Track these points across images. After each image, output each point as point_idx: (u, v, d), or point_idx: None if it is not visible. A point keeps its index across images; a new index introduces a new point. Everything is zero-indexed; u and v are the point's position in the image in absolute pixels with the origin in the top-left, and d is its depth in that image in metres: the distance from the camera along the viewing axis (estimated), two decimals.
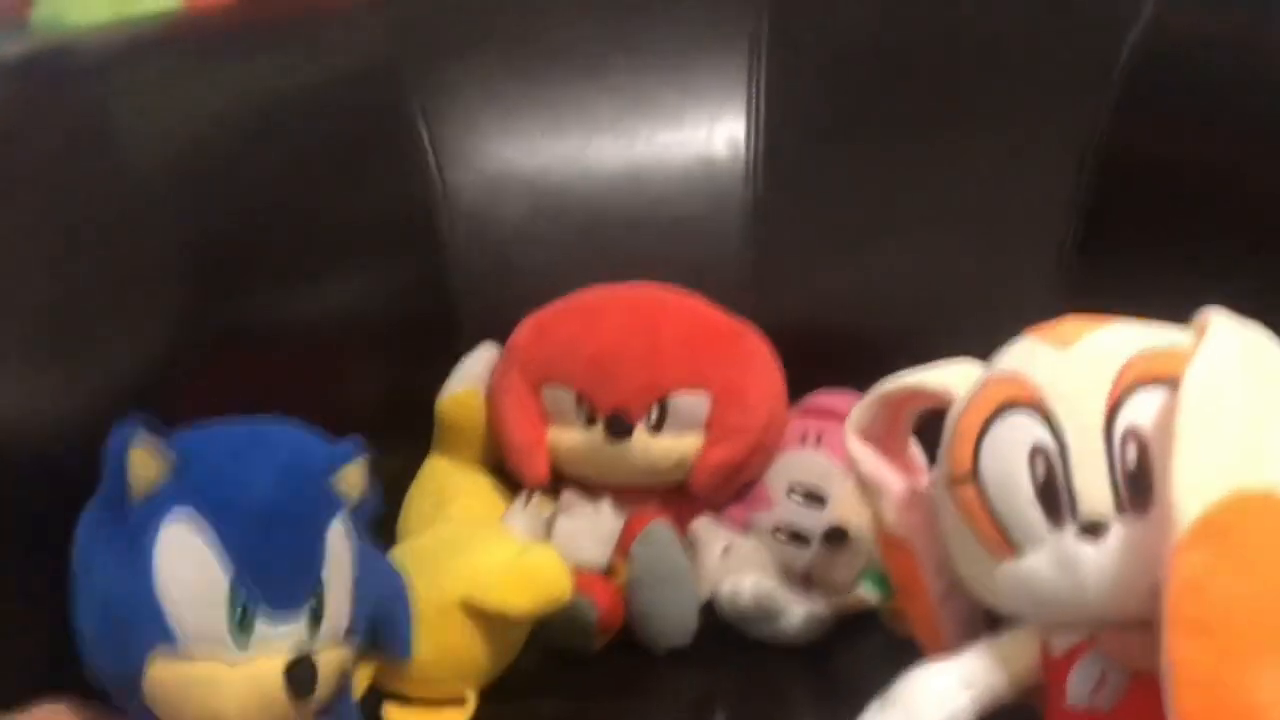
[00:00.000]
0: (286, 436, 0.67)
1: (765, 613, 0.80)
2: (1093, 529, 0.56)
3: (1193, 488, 0.53)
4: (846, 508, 0.85)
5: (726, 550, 0.85)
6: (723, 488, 0.87)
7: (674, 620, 0.81)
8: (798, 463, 0.87)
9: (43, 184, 0.77)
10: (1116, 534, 0.56)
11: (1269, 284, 0.79)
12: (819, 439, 0.88)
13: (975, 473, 0.59)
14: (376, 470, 0.88)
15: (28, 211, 0.75)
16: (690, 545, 0.85)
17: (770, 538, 0.86)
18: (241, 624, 0.60)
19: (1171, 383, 0.56)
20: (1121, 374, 0.57)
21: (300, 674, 0.61)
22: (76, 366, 0.73)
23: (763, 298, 0.97)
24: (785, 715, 0.77)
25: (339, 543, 0.65)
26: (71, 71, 0.84)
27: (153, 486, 0.61)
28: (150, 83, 0.86)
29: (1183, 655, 0.51)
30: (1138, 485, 0.56)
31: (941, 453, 0.62)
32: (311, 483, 0.66)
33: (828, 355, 0.95)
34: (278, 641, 0.61)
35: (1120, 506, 0.56)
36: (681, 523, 0.86)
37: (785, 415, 0.88)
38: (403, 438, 0.92)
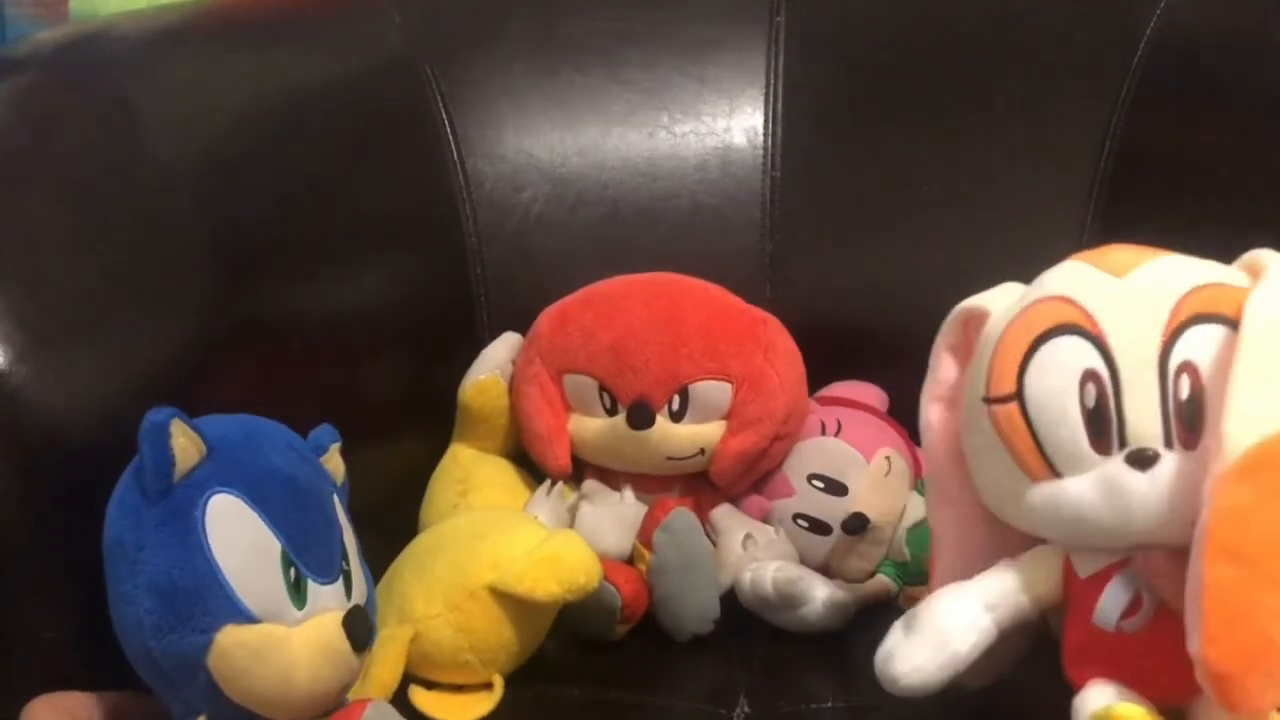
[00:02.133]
0: (273, 425, 0.69)
1: (788, 600, 0.80)
2: (1142, 459, 0.56)
3: (1246, 420, 0.53)
4: (867, 496, 0.85)
5: (748, 538, 0.86)
6: (743, 476, 0.87)
7: (697, 607, 0.81)
8: (818, 451, 0.88)
9: (70, 172, 0.77)
10: (1165, 465, 0.56)
11: None
12: (839, 427, 0.88)
13: (1019, 392, 0.59)
14: (401, 457, 0.90)
15: (56, 200, 0.75)
16: (711, 533, 0.86)
17: (790, 526, 0.87)
18: (296, 588, 0.62)
19: (1226, 320, 0.57)
20: (1177, 307, 0.57)
21: (358, 623, 0.64)
22: (104, 354, 0.73)
23: (779, 288, 0.98)
24: (808, 702, 0.77)
25: (343, 516, 0.69)
26: (99, 61, 0.84)
27: (191, 468, 0.62)
28: (174, 74, 0.86)
29: (1217, 580, 0.52)
30: (1189, 419, 0.56)
31: (978, 370, 0.62)
32: (313, 461, 0.69)
33: (844, 346, 0.95)
34: (325, 603, 0.64)
35: (1169, 439, 0.57)
36: (701, 511, 0.86)
37: (806, 404, 0.89)
38: (424, 426, 0.92)
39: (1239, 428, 0.54)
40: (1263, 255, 0.60)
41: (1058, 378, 0.58)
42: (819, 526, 0.86)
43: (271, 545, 0.62)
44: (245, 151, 0.86)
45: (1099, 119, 0.92)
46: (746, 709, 0.76)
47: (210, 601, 0.60)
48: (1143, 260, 0.60)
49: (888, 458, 0.87)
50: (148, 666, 0.62)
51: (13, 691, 0.67)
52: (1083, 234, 0.92)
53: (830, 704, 0.77)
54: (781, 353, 0.88)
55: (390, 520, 0.86)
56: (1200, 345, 0.57)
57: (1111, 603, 0.59)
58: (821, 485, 0.87)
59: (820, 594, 0.81)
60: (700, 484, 0.88)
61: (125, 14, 0.91)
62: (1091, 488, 0.57)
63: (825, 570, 0.85)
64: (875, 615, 0.83)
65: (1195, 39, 0.90)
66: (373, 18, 0.97)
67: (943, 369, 0.67)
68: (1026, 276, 0.97)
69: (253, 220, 0.85)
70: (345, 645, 0.63)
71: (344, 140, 0.91)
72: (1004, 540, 0.65)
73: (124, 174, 0.79)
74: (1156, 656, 0.58)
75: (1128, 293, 0.59)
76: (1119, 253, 0.61)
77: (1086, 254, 0.62)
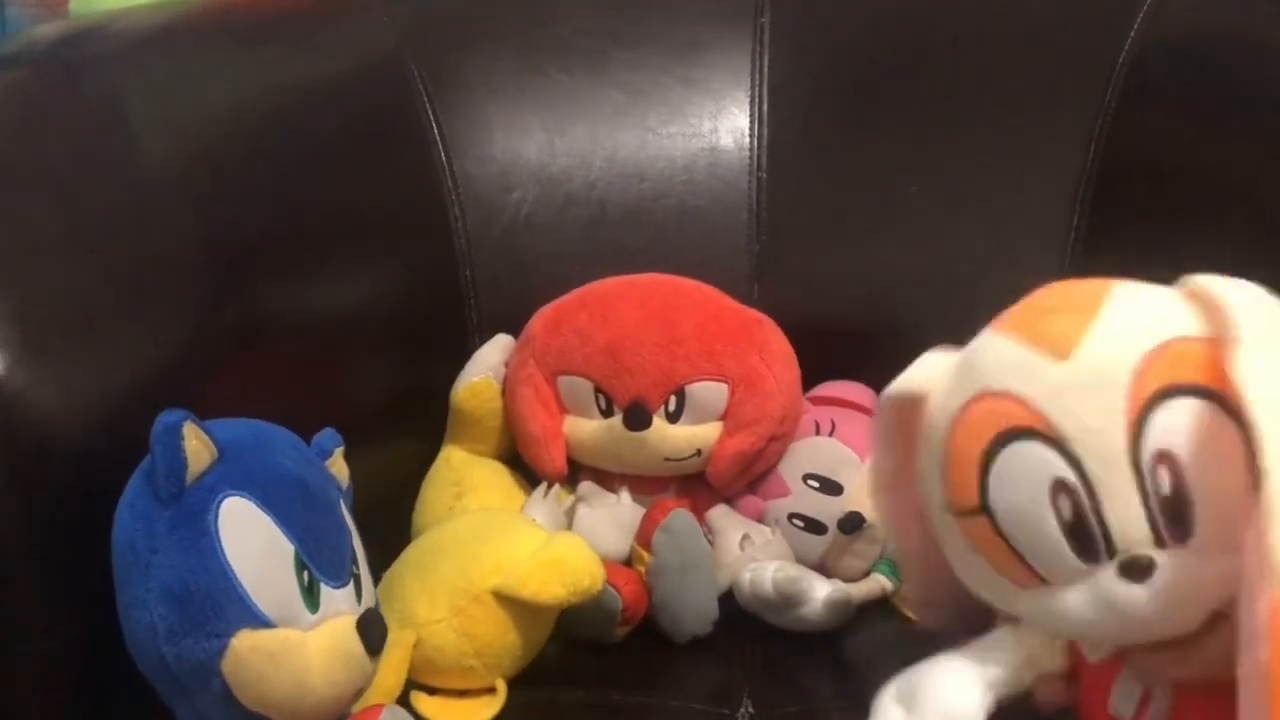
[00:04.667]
0: (277, 429, 0.68)
1: (789, 599, 0.80)
2: (1138, 569, 0.51)
3: None
4: (862, 495, 0.86)
5: (745, 539, 0.86)
6: (740, 477, 0.87)
7: (696, 608, 0.81)
8: (813, 451, 0.88)
9: (62, 172, 0.75)
10: (1163, 571, 0.51)
11: (1276, 276, 0.81)
12: (833, 427, 0.89)
13: (985, 506, 0.54)
14: (392, 460, 0.89)
15: (49, 200, 0.73)
16: (708, 534, 0.86)
17: (786, 526, 0.87)
18: (310, 592, 0.62)
19: (1192, 390, 0.51)
20: (1135, 387, 0.51)
21: (373, 626, 0.63)
22: (101, 358, 0.72)
23: (766, 288, 0.98)
24: (811, 701, 0.77)
25: (349, 519, 0.68)
26: (91, 59, 0.82)
27: (203, 471, 0.61)
28: (165, 74, 0.85)
29: None
30: (1176, 515, 0.51)
31: (930, 472, 0.56)
32: (319, 465, 0.68)
33: (832, 346, 0.96)
34: (338, 606, 0.63)
35: (1159, 539, 0.51)
36: (697, 512, 0.86)
37: (800, 404, 0.89)
38: (414, 428, 0.92)
39: None
40: (1210, 288, 0.53)
41: (1025, 491, 0.52)
42: (814, 526, 0.86)
43: (285, 548, 0.62)
44: (233, 152, 0.85)
45: (1085, 120, 0.93)
46: (750, 709, 0.76)
47: (225, 606, 0.59)
48: (1082, 329, 0.53)
49: None
50: (160, 673, 0.61)
51: (12, 701, 0.65)
52: (1069, 234, 0.93)
53: (833, 703, 0.77)
54: (777, 353, 0.88)
55: (382, 524, 0.85)
56: (1172, 428, 0.51)
57: (1124, 700, 0.57)
58: (816, 485, 0.87)
59: (820, 593, 0.81)
60: (696, 485, 0.88)
61: (121, 11, 0.89)
62: (1088, 604, 0.52)
63: (821, 570, 0.85)
64: (870, 615, 0.84)
65: (1180, 41, 0.91)
66: (358, 19, 0.96)
67: (882, 459, 0.62)
68: (1012, 277, 0.97)
69: (241, 222, 0.83)
70: (359, 649, 0.63)
71: (331, 141, 0.91)
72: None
73: (114, 174, 0.77)
74: None
75: (1077, 381, 0.52)
76: (1056, 321, 0.53)
77: (1016, 321, 0.55)
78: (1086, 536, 0.52)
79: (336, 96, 0.92)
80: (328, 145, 0.90)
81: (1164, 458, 0.51)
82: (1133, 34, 0.93)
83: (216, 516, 0.60)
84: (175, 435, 0.60)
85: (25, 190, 0.73)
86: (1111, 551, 0.52)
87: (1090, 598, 0.52)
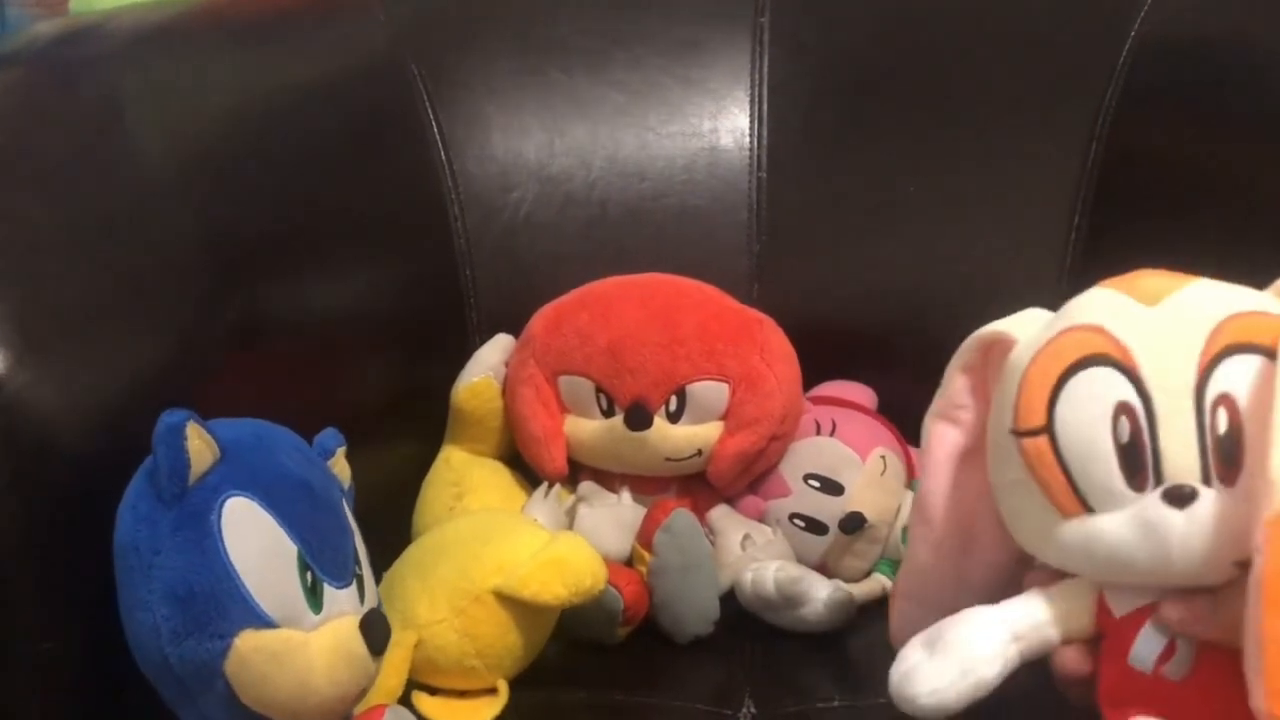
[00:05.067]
0: (279, 428, 0.68)
1: (791, 599, 0.80)
2: (1180, 496, 0.54)
3: None
4: (863, 495, 0.86)
5: (746, 539, 0.86)
6: (741, 477, 0.87)
7: (698, 609, 0.81)
8: (813, 451, 0.88)
9: (60, 172, 0.75)
10: (1204, 503, 0.54)
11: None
12: (834, 427, 0.89)
13: (1049, 425, 0.57)
14: (391, 460, 0.89)
15: (47, 200, 0.73)
16: (709, 534, 0.85)
17: (787, 526, 0.87)
18: (313, 592, 0.62)
19: (1263, 350, 0.55)
20: (1213, 337, 0.55)
21: (376, 626, 0.63)
22: (101, 358, 0.71)
23: (766, 288, 0.98)
24: (813, 701, 0.77)
25: (351, 520, 0.68)
26: (89, 58, 0.82)
27: (205, 471, 0.61)
28: (162, 73, 0.84)
29: (1278, 632, 0.49)
30: (1227, 454, 0.54)
31: (1004, 400, 0.59)
32: (321, 465, 0.68)
33: (831, 346, 0.96)
34: (341, 606, 0.63)
35: (1207, 475, 0.54)
36: (698, 512, 0.85)
37: (801, 404, 0.89)
38: (413, 428, 0.91)
39: None
40: None
41: (1089, 411, 0.56)
42: (815, 526, 0.86)
43: (288, 549, 0.61)
44: (232, 152, 0.85)
45: (1085, 120, 0.93)
46: (753, 709, 0.75)
47: (228, 606, 0.59)
48: (1175, 287, 0.58)
49: (883, 457, 0.87)
50: (163, 674, 0.60)
51: (11, 702, 0.65)
52: (1069, 233, 0.93)
53: (835, 703, 0.77)
54: (778, 353, 0.88)
55: (381, 524, 0.84)
56: (1237, 377, 0.55)
57: (1146, 648, 0.57)
58: (817, 485, 0.87)
59: (822, 593, 0.81)
60: (696, 485, 0.88)
61: (120, 9, 0.89)
62: (1127, 526, 0.55)
63: (822, 570, 0.85)
64: (871, 615, 0.84)
65: (1179, 41, 0.91)
66: (358, 19, 0.96)
67: (954, 388, 0.65)
68: (1012, 276, 0.99)
69: (240, 221, 0.83)
70: (363, 649, 0.62)
71: (330, 141, 0.90)
72: (968, 579, 0.65)
73: (113, 174, 0.77)
74: (1200, 699, 0.56)
75: (1161, 322, 0.56)
76: (1150, 279, 0.59)
77: (1115, 280, 0.60)
78: (1139, 461, 0.55)
79: (335, 96, 0.92)
80: (326, 145, 0.90)
81: (1225, 400, 0.54)
82: (1133, 34, 0.93)
83: (219, 517, 0.60)
84: (178, 435, 0.59)
85: (24, 190, 0.72)
86: (1160, 479, 0.55)
87: (1133, 523, 0.55)
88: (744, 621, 0.83)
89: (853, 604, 0.82)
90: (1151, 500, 0.55)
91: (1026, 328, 0.61)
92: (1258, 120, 0.88)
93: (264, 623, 0.60)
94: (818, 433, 0.89)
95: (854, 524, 0.84)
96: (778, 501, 0.88)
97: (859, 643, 0.82)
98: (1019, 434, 0.58)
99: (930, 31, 0.99)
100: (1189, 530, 0.54)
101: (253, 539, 0.60)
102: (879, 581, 0.85)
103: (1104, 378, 0.56)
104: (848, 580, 0.85)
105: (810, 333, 0.93)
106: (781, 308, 0.94)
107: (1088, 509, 0.56)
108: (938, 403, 0.66)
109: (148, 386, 0.72)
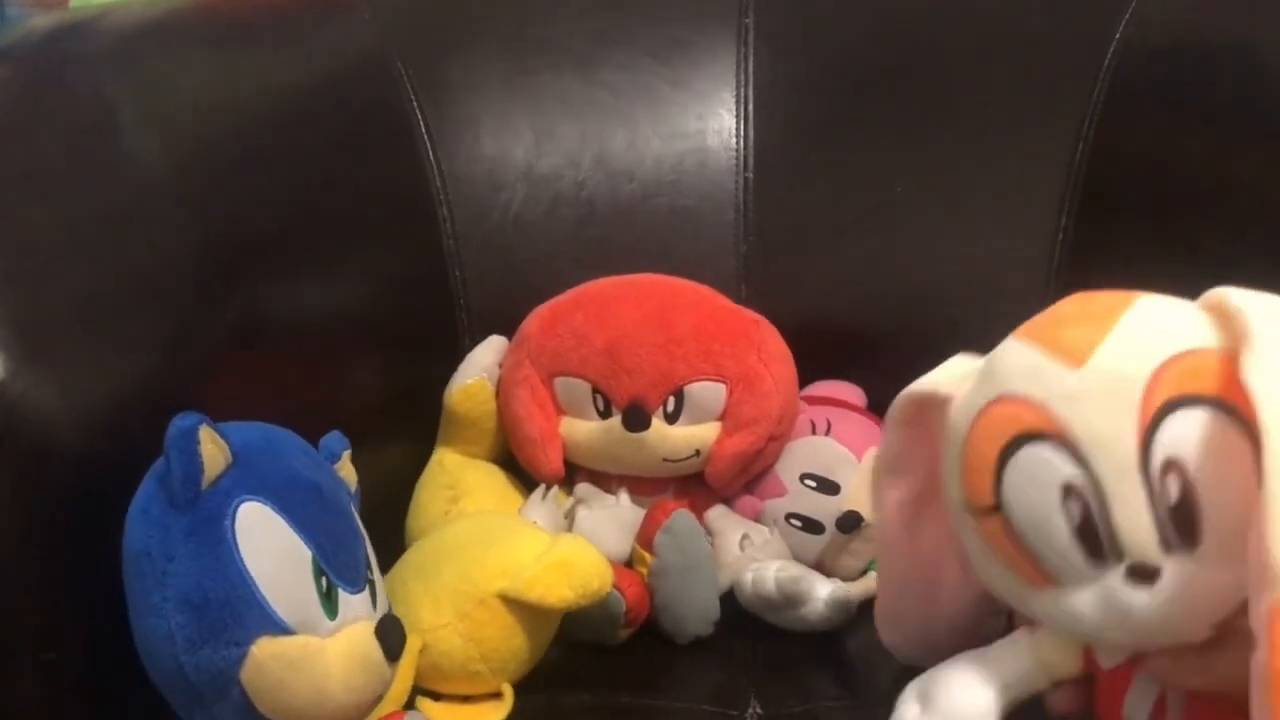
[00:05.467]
0: (285, 432, 0.67)
1: (792, 599, 0.80)
2: (1141, 573, 0.52)
3: None
4: (859, 494, 0.86)
5: (744, 539, 0.85)
6: (738, 477, 0.87)
7: (698, 609, 0.81)
8: (809, 450, 0.88)
9: (55, 171, 0.74)
10: (1168, 578, 0.51)
11: (1263, 273, 0.82)
12: (829, 427, 0.89)
13: (999, 506, 0.54)
14: (382, 463, 0.88)
15: (43, 200, 0.72)
16: (708, 534, 0.85)
17: (784, 525, 0.87)
18: (328, 597, 0.61)
19: (1204, 400, 0.51)
20: (1147, 396, 0.51)
21: (392, 632, 0.63)
22: (101, 361, 0.70)
23: (754, 288, 0.98)
24: (817, 700, 0.77)
25: (360, 523, 0.67)
26: (82, 56, 0.81)
27: (217, 476, 0.60)
28: (153, 71, 0.83)
29: None
30: (1183, 523, 0.51)
31: (951, 472, 0.57)
32: (329, 468, 0.67)
33: (819, 346, 0.96)
34: (355, 612, 0.63)
35: (1167, 546, 0.51)
36: (696, 512, 0.85)
37: (797, 404, 0.89)
38: (405, 430, 0.91)
39: None
40: (1228, 299, 0.53)
41: (1037, 493, 0.53)
42: (812, 525, 0.86)
43: (303, 554, 0.61)
44: (224, 151, 0.83)
45: (1071, 122, 0.93)
46: (758, 710, 0.75)
47: (244, 613, 0.58)
48: (1098, 338, 0.53)
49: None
50: (176, 683, 0.59)
51: (12, 707, 0.64)
52: (1056, 234, 0.94)
53: (839, 701, 0.77)
54: (774, 353, 0.88)
55: (373, 527, 0.84)
56: (1182, 438, 0.51)
57: (1138, 707, 0.57)
58: (814, 484, 0.87)
59: (822, 593, 0.81)
60: (693, 485, 0.88)
61: (117, 4, 0.88)
62: (1093, 605, 0.53)
63: (818, 569, 0.85)
64: (869, 613, 0.84)
65: (1165, 43, 0.92)
66: (347, 17, 0.95)
67: (895, 444, 0.63)
68: (999, 277, 0.99)
69: (236, 221, 0.82)
70: (379, 655, 0.62)
71: (318, 141, 0.89)
72: (938, 613, 0.66)
73: (108, 173, 0.76)
74: None
75: (1090, 387, 0.52)
76: (1073, 330, 0.54)
77: (1035, 329, 0.56)
78: (1095, 540, 0.52)
79: (323, 96, 0.91)
80: (314, 145, 0.88)
81: (1173, 466, 0.51)
82: (1118, 36, 0.93)
83: (234, 522, 0.59)
84: (191, 439, 0.58)
85: (21, 190, 0.71)
86: (1119, 555, 0.52)
87: (1098, 600, 0.53)
88: (743, 621, 0.83)
89: (852, 603, 0.82)
90: (1115, 578, 0.52)
91: (959, 384, 0.58)
92: (1242, 120, 0.89)
93: (281, 629, 0.59)
94: (813, 432, 0.89)
95: (851, 523, 0.85)
96: (774, 501, 0.88)
97: (858, 641, 0.82)
98: (974, 513, 0.56)
99: (915, 32, 1.00)
100: (1154, 606, 0.52)
101: (267, 544, 0.60)
102: (875, 580, 0.85)
103: (1044, 458, 0.53)
104: (844, 579, 0.85)
105: (798, 332, 0.93)
106: (769, 307, 0.94)
107: (1055, 583, 0.54)
108: (882, 459, 0.65)
109: (147, 387, 0.71)
